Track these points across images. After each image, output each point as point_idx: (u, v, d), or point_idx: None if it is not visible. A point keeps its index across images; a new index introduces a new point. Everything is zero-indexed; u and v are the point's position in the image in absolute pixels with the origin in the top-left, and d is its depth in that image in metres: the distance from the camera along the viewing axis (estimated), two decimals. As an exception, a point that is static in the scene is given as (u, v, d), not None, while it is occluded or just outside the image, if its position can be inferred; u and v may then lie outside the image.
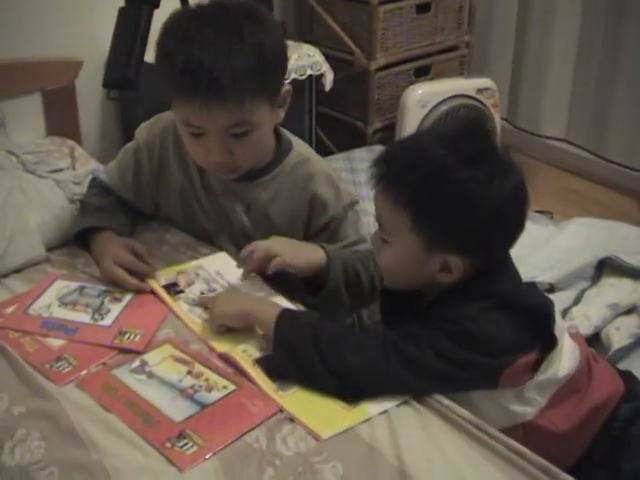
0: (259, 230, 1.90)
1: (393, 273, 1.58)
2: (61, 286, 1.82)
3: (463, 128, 1.58)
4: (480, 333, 1.46)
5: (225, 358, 1.58)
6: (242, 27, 1.65)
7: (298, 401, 1.47)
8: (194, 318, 1.71)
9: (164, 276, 1.82)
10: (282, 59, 1.75)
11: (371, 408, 1.46)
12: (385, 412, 1.45)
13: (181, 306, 1.74)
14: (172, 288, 1.80)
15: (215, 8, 1.74)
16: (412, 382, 1.47)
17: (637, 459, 1.57)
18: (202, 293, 1.78)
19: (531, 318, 1.48)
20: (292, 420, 1.43)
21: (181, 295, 1.77)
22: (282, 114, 1.82)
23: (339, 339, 1.51)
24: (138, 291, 1.79)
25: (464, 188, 1.43)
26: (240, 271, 1.82)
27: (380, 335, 1.52)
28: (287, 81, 3.28)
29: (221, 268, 1.85)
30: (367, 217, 2.69)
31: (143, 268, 1.82)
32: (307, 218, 1.89)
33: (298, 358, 1.49)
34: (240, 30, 1.65)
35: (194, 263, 1.88)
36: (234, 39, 1.64)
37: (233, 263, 1.86)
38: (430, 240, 1.47)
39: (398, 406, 1.47)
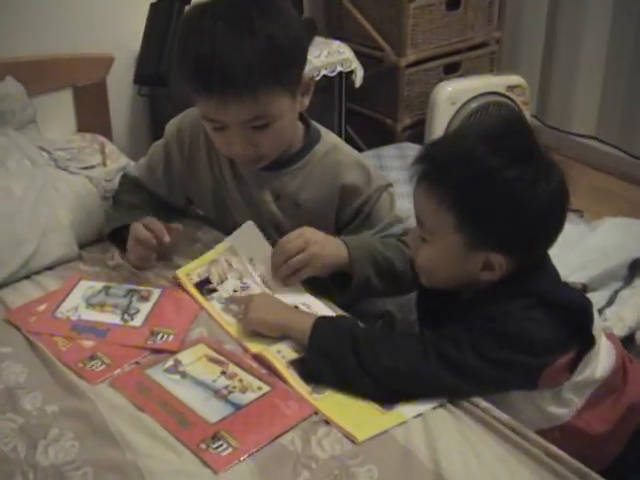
0: (289, 219, 1.90)
1: (433, 272, 1.57)
2: (86, 287, 1.81)
3: (507, 126, 1.55)
4: (521, 332, 1.45)
5: (259, 359, 1.57)
6: (253, 20, 1.64)
7: (333, 404, 1.46)
8: (227, 318, 1.70)
9: (196, 270, 1.81)
10: (298, 49, 1.72)
11: (407, 411, 1.44)
12: (421, 415, 1.44)
13: (214, 306, 1.73)
14: (204, 286, 1.78)
15: (227, 2, 1.72)
16: (451, 383, 1.46)
17: None
18: (235, 291, 1.77)
19: (570, 317, 1.47)
20: (327, 422, 1.42)
21: (214, 295, 1.76)
22: (307, 102, 1.82)
23: (376, 341, 1.50)
24: (165, 288, 1.80)
25: (512, 188, 1.43)
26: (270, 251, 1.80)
27: (418, 336, 1.52)
28: (317, 77, 3.34)
29: (252, 251, 1.82)
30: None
31: (152, 244, 1.84)
32: (338, 205, 1.88)
33: (334, 361, 1.48)
34: (250, 23, 1.64)
35: (224, 245, 1.85)
36: (245, 33, 1.63)
37: (262, 239, 1.83)
38: (474, 239, 1.47)
39: (434, 409, 1.46)
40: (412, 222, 1.82)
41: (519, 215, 1.44)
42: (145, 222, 1.86)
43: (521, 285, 1.50)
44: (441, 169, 1.48)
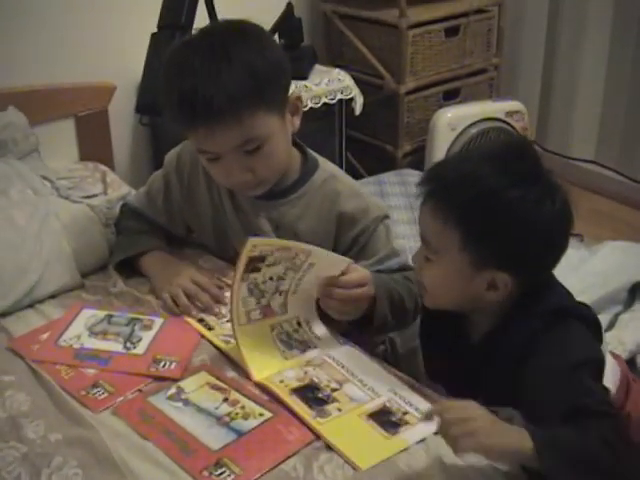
0: None
1: (437, 292, 1.57)
2: (88, 315, 1.82)
3: (511, 148, 1.57)
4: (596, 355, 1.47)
5: (261, 386, 1.58)
6: (229, 48, 1.69)
7: (336, 429, 1.46)
8: (226, 339, 1.71)
9: (266, 247, 1.63)
10: (278, 70, 1.75)
11: (409, 436, 1.45)
12: (423, 441, 1.44)
13: (241, 289, 1.64)
14: (254, 263, 1.62)
15: (203, 35, 1.79)
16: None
17: None
18: (271, 278, 1.66)
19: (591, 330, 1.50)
20: (329, 448, 1.42)
21: (254, 275, 1.64)
22: (297, 122, 1.84)
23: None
24: (168, 317, 1.82)
25: (516, 208, 1.44)
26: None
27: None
28: (318, 105, 3.36)
29: (321, 268, 1.71)
30: (398, 240, 2.71)
31: (205, 300, 1.84)
32: (335, 235, 1.89)
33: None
34: (227, 52, 1.68)
35: (305, 245, 1.67)
36: (222, 62, 1.67)
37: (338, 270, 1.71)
38: (479, 258, 1.47)
39: (435, 434, 1.46)
40: (408, 256, 1.84)
41: (524, 234, 1.45)
42: (194, 277, 1.88)
43: (539, 304, 1.50)
44: (446, 189, 1.49)
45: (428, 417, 1.35)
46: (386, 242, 1.90)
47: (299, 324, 1.74)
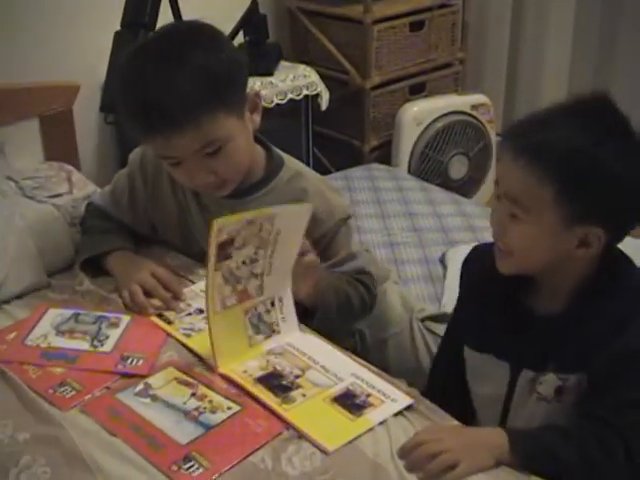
0: None
1: (527, 252, 1.51)
2: (55, 314, 1.81)
3: (597, 103, 1.54)
4: None
5: (227, 378, 1.58)
6: (182, 52, 1.67)
7: (302, 414, 1.48)
8: (186, 332, 1.72)
9: (231, 227, 1.60)
10: (234, 69, 1.73)
11: (374, 417, 1.47)
12: (387, 425, 1.46)
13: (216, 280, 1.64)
14: (225, 249, 1.61)
15: (154, 40, 1.78)
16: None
17: None
18: (243, 262, 1.65)
19: None
20: (298, 437, 1.43)
21: (227, 262, 1.62)
22: (258, 118, 1.83)
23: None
24: (135, 315, 1.81)
25: (610, 162, 1.43)
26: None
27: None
28: (284, 101, 3.37)
29: (288, 232, 1.71)
30: (365, 235, 2.73)
31: (163, 296, 1.83)
32: None
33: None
34: (180, 56, 1.66)
35: (270, 210, 1.68)
36: (175, 66, 1.65)
37: (302, 230, 1.74)
38: (573, 213, 1.45)
39: (395, 416, 1.48)
40: (364, 259, 1.90)
41: (616, 188, 1.44)
42: (154, 272, 1.87)
43: (624, 279, 1.51)
44: (540, 145, 1.45)
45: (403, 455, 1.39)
46: (345, 244, 1.91)
47: (272, 304, 1.74)
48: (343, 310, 1.83)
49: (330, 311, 1.80)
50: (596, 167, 1.43)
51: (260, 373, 1.59)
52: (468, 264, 1.74)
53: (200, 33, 1.74)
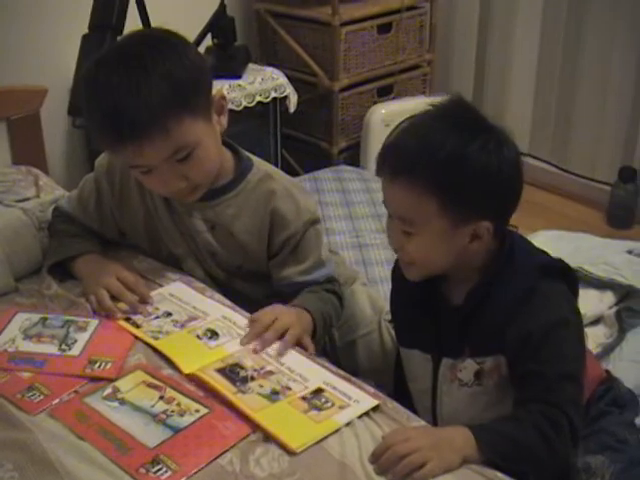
0: (225, 248, 1.92)
1: (426, 261, 1.59)
2: (23, 319, 1.80)
3: (453, 104, 1.61)
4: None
5: (193, 378, 1.59)
6: (145, 61, 1.67)
7: (269, 415, 1.49)
8: (155, 335, 1.74)
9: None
10: (198, 75, 1.75)
11: (340, 418, 1.49)
12: (353, 427, 1.47)
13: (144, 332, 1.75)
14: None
15: (116, 51, 1.78)
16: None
17: (592, 426, 1.69)
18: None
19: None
20: (266, 439, 1.44)
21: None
22: (225, 120, 1.84)
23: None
24: (102, 318, 1.80)
25: (483, 159, 1.49)
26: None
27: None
28: (252, 104, 3.37)
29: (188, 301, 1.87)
30: (334, 236, 2.73)
31: (129, 300, 1.83)
32: (269, 234, 1.90)
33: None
34: (144, 65, 1.66)
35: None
36: (140, 76, 1.65)
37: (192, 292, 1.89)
38: (459, 215, 1.51)
39: (360, 418, 1.50)
40: (333, 265, 1.94)
41: (494, 181, 1.50)
42: (120, 275, 1.86)
43: (520, 260, 1.58)
44: (413, 163, 1.50)
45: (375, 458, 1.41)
46: (314, 249, 1.92)
47: (224, 317, 1.79)
48: (327, 329, 1.88)
49: (319, 335, 1.83)
50: (469, 168, 1.49)
51: (220, 365, 1.61)
52: (394, 269, 1.79)
53: (162, 40, 1.74)
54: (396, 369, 1.84)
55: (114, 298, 1.83)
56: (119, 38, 1.85)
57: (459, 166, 1.48)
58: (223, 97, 1.84)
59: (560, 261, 1.63)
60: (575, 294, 1.64)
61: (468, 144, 1.48)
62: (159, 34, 1.77)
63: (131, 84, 1.64)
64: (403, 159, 1.52)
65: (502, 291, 1.57)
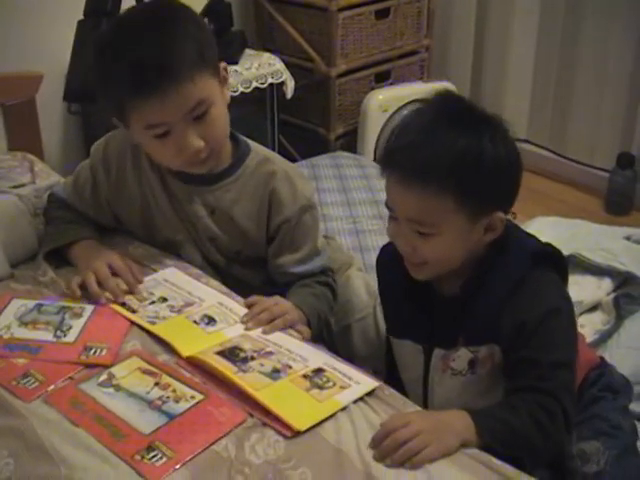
0: (225, 233, 1.92)
1: (441, 260, 1.58)
2: (18, 305, 1.80)
3: (451, 101, 1.61)
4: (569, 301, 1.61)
5: (191, 361, 1.59)
6: (167, 20, 1.73)
7: (270, 394, 1.48)
8: (151, 320, 1.73)
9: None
10: (211, 39, 1.81)
11: (341, 398, 1.49)
12: (349, 412, 1.47)
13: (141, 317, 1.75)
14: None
15: (136, 12, 1.86)
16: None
17: (585, 412, 1.68)
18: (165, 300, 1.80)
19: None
20: (262, 425, 1.44)
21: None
22: (228, 95, 1.86)
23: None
24: (98, 304, 1.79)
25: (493, 151, 1.50)
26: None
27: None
28: (249, 89, 3.36)
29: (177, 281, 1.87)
30: (331, 222, 2.73)
31: (111, 287, 1.81)
32: (267, 217, 1.90)
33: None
34: (168, 23, 1.72)
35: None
36: (167, 30, 1.70)
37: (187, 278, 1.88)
38: (475, 211, 1.52)
39: (355, 403, 1.49)
40: (328, 253, 1.94)
41: (503, 170, 1.52)
42: (111, 261, 1.85)
43: (513, 249, 1.59)
44: (427, 162, 1.50)
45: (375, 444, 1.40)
46: (310, 236, 1.92)
47: (220, 304, 1.79)
48: (320, 324, 1.88)
49: (314, 332, 1.82)
50: (484, 162, 1.50)
51: (219, 349, 1.61)
52: (379, 262, 1.81)
53: (175, 6, 1.80)
54: (386, 356, 1.84)
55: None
56: (126, 9, 1.87)
57: (475, 162, 1.49)
58: (225, 68, 1.86)
59: (551, 247, 1.64)
60: (565, 280, 1.64)
61: (479, 139, 1.49)
62: (169, 2, 1.83)
63: (161, 36, 1.69)
64: (416, 161, 1.51)
65: (495, 280, 1.57)
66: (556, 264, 1.62)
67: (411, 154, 1.52)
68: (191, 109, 1.72)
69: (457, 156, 1.48)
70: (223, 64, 1.84)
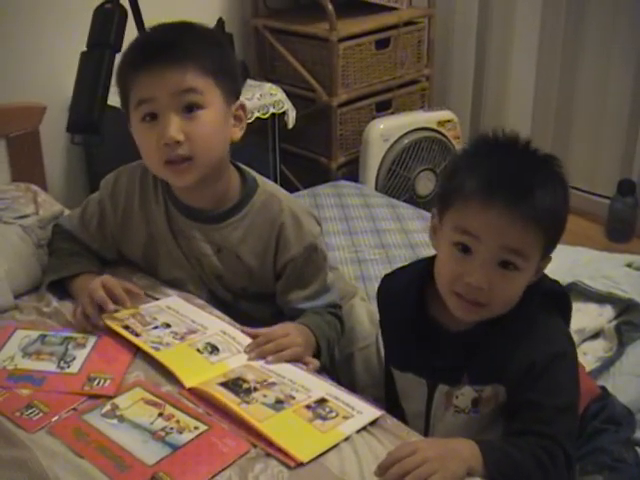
0: (230, 271, 1.92)
1: (511, 300, 1.54)
2: (22, 336, 1.80)
3: (511, 137, 1.62)
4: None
5: (194, 392, 1.60)
6: (194, 25, 1.85)
7: (273, 425, 1.48)
8: (155, 346, 1.73)
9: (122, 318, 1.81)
10: (232, 66, 1.87)
11: (344, 428, 1.49)
12: (352, 442, 1.47)
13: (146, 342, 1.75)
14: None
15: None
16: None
17: (588, 445, 1.69)
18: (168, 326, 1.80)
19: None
20: (266, 455, 1.44)
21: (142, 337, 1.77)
22: (239, 133, 1.87)
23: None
24: (101, 334, 1.79)
25: (566, 193, 1.52)
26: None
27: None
28: (250, 120, 3.37)
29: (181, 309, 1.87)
30: (333, 252, 2.73)
31: (100, 297, 1.80)
32: (273, 256, 1.89)
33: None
34: (191, 24, 1.85)
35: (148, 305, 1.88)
36: (185, 26, 1.83)
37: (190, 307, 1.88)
38: (546, 254, 1.52)
39: (358, 432, 1.49)
40: (337, 290, 1.94)
41: (565, 215, 1.53)
42: (105, 282, 1.84)
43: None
44: (527, 193, 1.47)
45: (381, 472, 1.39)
46: (319, 274, 1.92)
47: (223, 332, 1.79)
48: (329, 352, 1.88)
49: (323, 359, 1.83)
50: (563, 202, 1.51)
51: (222, 380, 1.61)
52: (381, 292, 1.81)
53: (208, 28, 1.93)
54: (386, 388, 1.83)
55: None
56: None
57: (563, 201, 1.51)
58: (243, 107, 1.87)
59: (559, 286, 1.63)
60: (568, 321, 1.64)
61: (560, 179, 1.52)
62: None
63: (179, 27, 1.82)
64: (522, 184, 1.48)
65: (509, 319, 1.54)
66: (561, 305, 1.61)
67: (514, 178, 1.49)
68: (178, 92, 1.74)
69: (552, 194, 1.49)
70: (240, 102, 1.86)
